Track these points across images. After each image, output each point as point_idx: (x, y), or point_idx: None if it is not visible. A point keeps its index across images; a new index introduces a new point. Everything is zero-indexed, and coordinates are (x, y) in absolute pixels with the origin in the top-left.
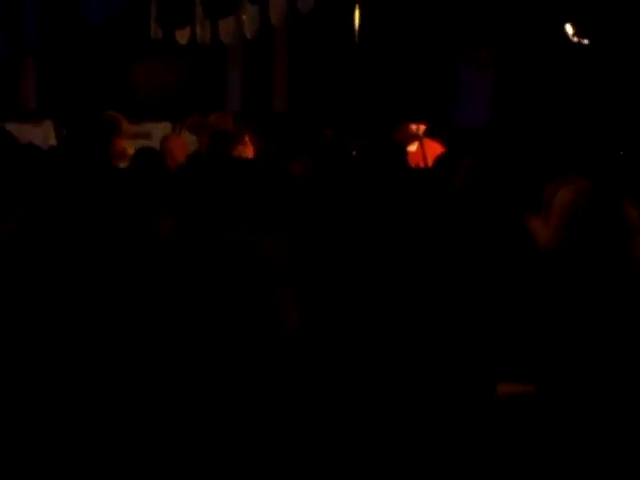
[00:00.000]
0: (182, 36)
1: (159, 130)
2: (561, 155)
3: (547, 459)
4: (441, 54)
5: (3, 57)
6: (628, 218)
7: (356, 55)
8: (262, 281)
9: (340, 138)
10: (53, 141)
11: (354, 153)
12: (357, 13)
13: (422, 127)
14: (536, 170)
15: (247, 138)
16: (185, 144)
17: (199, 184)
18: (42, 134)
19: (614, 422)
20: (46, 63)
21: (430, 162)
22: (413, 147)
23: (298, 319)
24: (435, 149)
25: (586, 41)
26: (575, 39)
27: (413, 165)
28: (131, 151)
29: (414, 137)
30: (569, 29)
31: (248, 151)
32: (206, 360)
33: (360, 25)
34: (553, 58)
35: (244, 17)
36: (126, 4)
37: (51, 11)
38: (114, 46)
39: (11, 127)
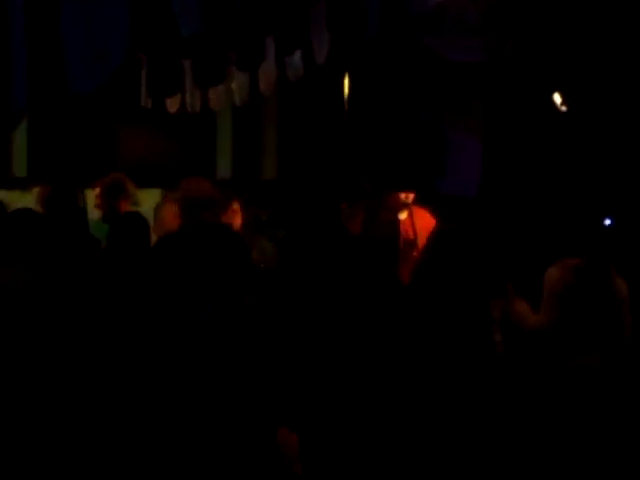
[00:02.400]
0: (172, 104)
1: (149, 198)
2: (550, 227)
3: None
4: (430, 122)
5: None
6: (618, 291)
7: (345, 123)
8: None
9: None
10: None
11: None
12: (347, 81)
13: (411, 195)
14: (526, 242)
15: (236, 206)
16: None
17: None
18: (32, 201)
19: None
20: (36, 130)
21: (419, 230)
22: (403, 215)
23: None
24: (424, 217)
25: (564, 108)
26: (563, 108)
27: (402, 233)
28: None
29: (404, 205)
30: (557, 98)
31: (237, 219)
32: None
33: (349, 93)
34: (542, 126)
35: (234, 85)
36: (111, 73)
37: (39, 79)
38: (103, 113)
39: (0, 195)
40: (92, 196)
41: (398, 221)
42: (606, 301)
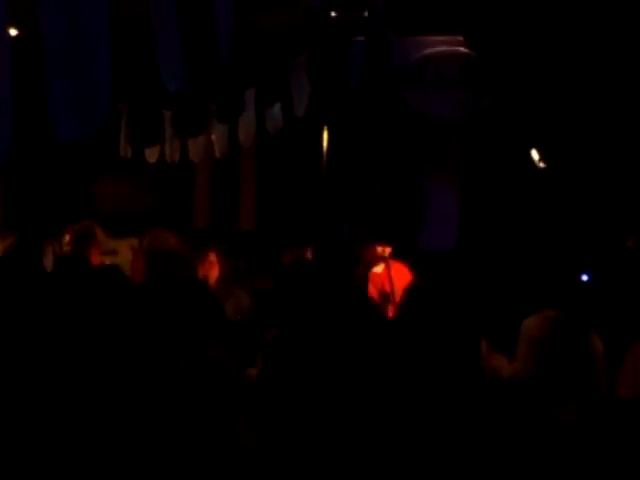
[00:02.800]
0: (151, 154)
1: (126, 247)
2: (528, 282)
3: None
4: (408, 176)
5: None
6: (593, 347)
7: (324, 175)
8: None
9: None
10: None
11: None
12: (325, 134)
13: (388, 249)
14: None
15: (213, 257)
16: None
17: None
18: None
19: None
20: (12, 178)
21: (396, 284)
22: (379, 268)
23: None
24: (401, 271)
25: (542, 165)
26: (541, 164)
27: (379, 287)
28: None
29: (380, 258)
30: (535, 155)
31: (214, 270)
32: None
33: (328, 146)
34: (519, 182)
35: (213, 136)
36: (99, 126)
37: (21, 127)
38: (82, 162)
39: None
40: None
41: (367, 276)
42: (581, 355)
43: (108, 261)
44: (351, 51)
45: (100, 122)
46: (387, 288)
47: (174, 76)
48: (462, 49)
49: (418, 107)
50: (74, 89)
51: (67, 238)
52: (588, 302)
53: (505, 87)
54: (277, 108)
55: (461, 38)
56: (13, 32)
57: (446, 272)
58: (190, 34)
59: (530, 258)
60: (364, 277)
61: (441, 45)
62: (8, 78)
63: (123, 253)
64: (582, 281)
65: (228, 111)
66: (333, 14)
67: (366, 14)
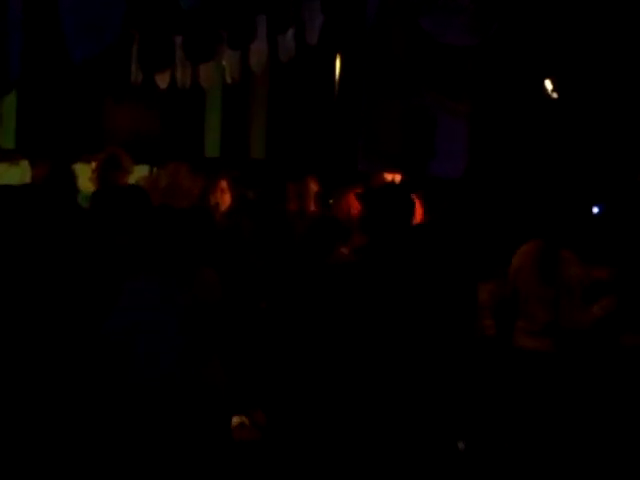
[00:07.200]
0: (162, 80)
1: (136, 174)
2: (533, 210)
3: None
4: (419, 105)
5: None
6: (566, 275)
7: (335, 103)
8: None
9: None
10: (29, 180)
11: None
12: (338, 62)
13: (397, 177)
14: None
15: (225, 185)
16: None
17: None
18: (19, 174)
19: None
20: (25, 103)
21: None
22: None
23: None
24: None
25: (555, 95)
26: (554, 95)
27: None
28: None
29: None
30: (548, 85)
31: (225, 197)
32: None
33: (340, 74)
34: (527, 111)
35: (224, 62)
36: (112, 42)
37: (34, 50)
38: (92, 88)
39: None
40: (84, 170)
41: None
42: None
43: None
44: None
45: (112, 39)
46: None
47: None
48: None
49: (431, 33)
50: (86, 5)
51: (94, 165)
52: (598, 234)
53: (519, 15)
54: (289, 35)
55: None
56: None
57: (456, 201)
58: None
59: (539, 190)
60: None
61: None
62: None
63: (132, 179)
64: (593, 213)
65: (239, 38)
66: None
67: None
